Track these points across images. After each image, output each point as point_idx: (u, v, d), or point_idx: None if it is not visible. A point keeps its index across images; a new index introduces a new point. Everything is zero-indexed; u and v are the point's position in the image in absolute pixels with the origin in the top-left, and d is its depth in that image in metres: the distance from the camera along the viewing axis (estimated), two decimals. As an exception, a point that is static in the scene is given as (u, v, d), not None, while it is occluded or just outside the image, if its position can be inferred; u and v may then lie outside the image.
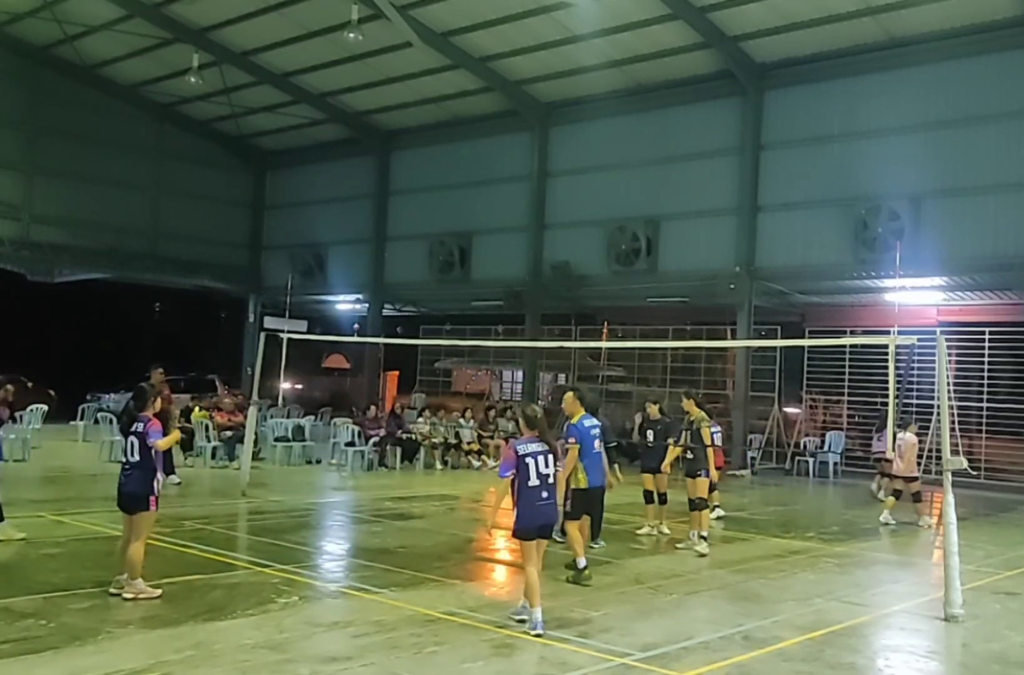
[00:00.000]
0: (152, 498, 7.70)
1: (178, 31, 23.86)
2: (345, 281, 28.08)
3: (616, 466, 10.69)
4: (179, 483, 14.12)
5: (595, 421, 9.21)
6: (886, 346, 8.90)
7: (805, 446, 20.76)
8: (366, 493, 15.20)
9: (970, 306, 21.36)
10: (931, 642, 7.42)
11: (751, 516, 13.94)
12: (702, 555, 10.25)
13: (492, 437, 20.18)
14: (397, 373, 31.44)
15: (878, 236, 18.64)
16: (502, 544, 11.21)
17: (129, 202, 28.04)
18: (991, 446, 19.34)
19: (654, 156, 22.08)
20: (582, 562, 8.67)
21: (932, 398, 16.73)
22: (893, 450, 11.77)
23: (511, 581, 9.11)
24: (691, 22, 19.63)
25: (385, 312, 28.65)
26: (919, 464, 14.08)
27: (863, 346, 17.66)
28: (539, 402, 24.99)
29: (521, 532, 7.13)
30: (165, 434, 7.91)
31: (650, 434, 11.60)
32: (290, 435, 19.18)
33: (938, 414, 9.63)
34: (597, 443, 9.09)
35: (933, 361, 8.54)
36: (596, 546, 10.26)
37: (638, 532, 11.61)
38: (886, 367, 8.93)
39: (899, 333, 10.07)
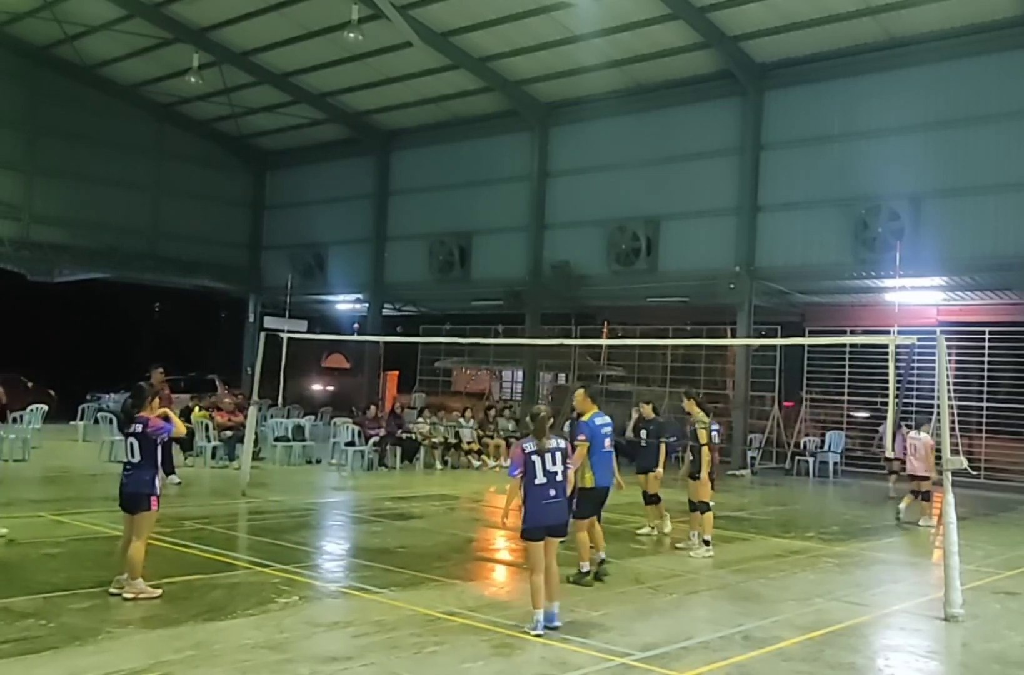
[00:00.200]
0: (153, 498, 7.72)
1: (178, 31, 23.85)
2: (345, 281, 28.07)
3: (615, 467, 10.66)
4: (179, 483, 14.12)
5: (607, 419, 8.93)
6: (886, 346, 8.90)
7: (805, 446, 20.77)
8: (366, 493, 15.20)
9: (970, 306, 21.37)
10: (931, 642, 7.42)
11: (751, 516, 13.95)
12: (707, 556, 10.23)
13: (492, 437, 20.18)
14: (397, 373, 31.44)
15: (878, 236, 18.64)
16: (502, 544, 11.22)
17: (129, 202, 28.03)
18: (991, 446, 19.35)
19: (654, 156, 22.08)
20: (585, 566, 8.62)
21: (932, 398, 16.73)
22: (893, 449, 11.75)
23: (511, 581, 9.12)
24: (691, 22, 19.63)
25: (385, 312, 28.66)
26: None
27: (863, 346, 17.67)
28: (539, 402, 25.04)
29: (528, 533, 7.02)
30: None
31: (643, 433, 11.66)
32: (290, 435, 19.19)
33: (938, 414, 9.62)
34: (608, 442, 8.83)
35: (933, 361, 8.51)
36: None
37: (638, 532, 11.61)
38: (886, 367, 8.92)
39: (899, 333, 10.06)
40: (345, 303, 30.41)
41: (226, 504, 13.25)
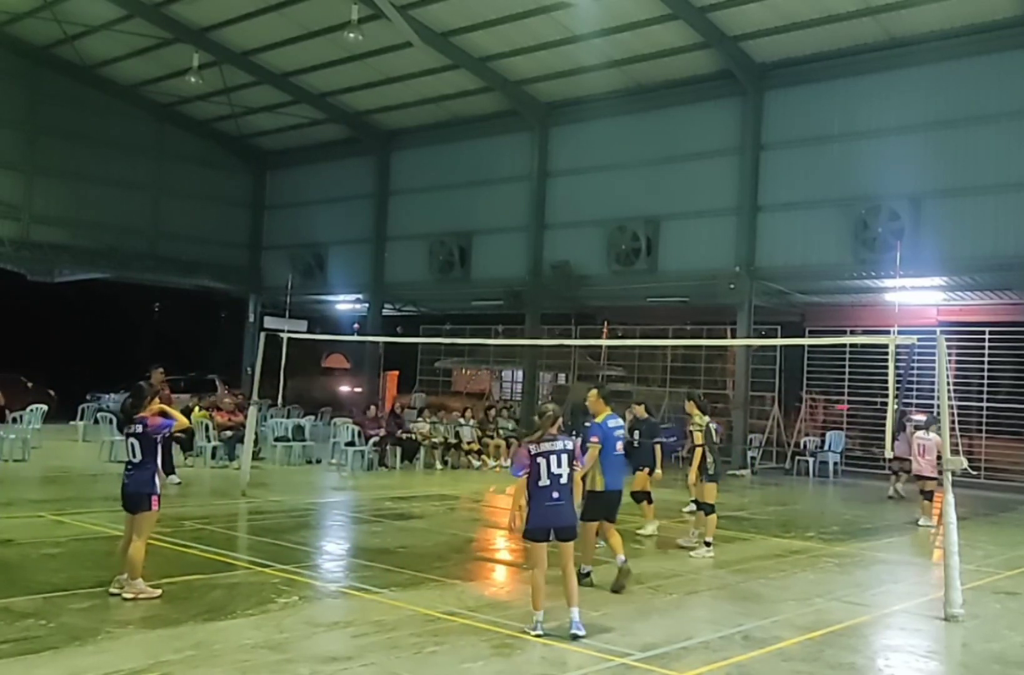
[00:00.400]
0: (154, 497, 7.73)
1: (178, 31, 23.85)
2: (345, 281, 28.07)
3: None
4: (179, 483, 14.12)
5: (620, 421, 8.85)
6: (886, 346, 8.89)
7: (805, 446, 20.77)
8: (366, 493, 15.19)
9: (970, 306, 21.36)
10: (931, 642, 7.42)
11: (751, 516, 13.94)
12: (708, 557, 10.22)
13: (492, 437, 20.18)
14: (397, 373, 31.44)
15: (878, 236, 18.64)
16: (502, 544, 11.22)
17: (129, 202, 28.02)
18: (991, 446, 19.34)
19: (654, 156, 22.07)
20: (586, 568, 8.56)
21: (932, 398, 16.76)
22: (892, 449, 11.76)
23: (511, 581, 9.12)
24: (691, 22, 19.63)
25: (385, 312, 28.65)
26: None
27: (863, 346, 17.65)
28: (539, 402, 25.04)
29: (530, 533, 6.97)
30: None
31: (636, 434, 11.68)
32: (290, 435, 19.19)
33: (938, 414, 9.62)
34: (619, 445, 8.70)
35: (933, 361, 8.54)
36: (598, 546, 10.24)
37: (638, 532, 11.60)
38: (886, 367, 8.92)
39: (899, 333, 10.05)
40: (345, 303, 30.41)
41: (226, 504, 13.25)
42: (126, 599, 7.41)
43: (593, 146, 23.26)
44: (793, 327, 22.46)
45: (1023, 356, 19.45)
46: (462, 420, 20.16)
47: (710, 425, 10.64)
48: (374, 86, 25.10)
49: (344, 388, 33.51)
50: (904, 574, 10.38)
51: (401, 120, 26.85)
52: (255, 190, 31.10)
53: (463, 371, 31.06)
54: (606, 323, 24.29)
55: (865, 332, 18.50)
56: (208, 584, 8.11)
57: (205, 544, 9.82)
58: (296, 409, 26.13)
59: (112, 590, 7.57)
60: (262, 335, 14.44)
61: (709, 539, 10.42)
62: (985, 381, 19.46)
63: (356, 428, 18.28)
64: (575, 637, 6.72)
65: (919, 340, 8.91)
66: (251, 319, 30.70)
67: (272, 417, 21.03)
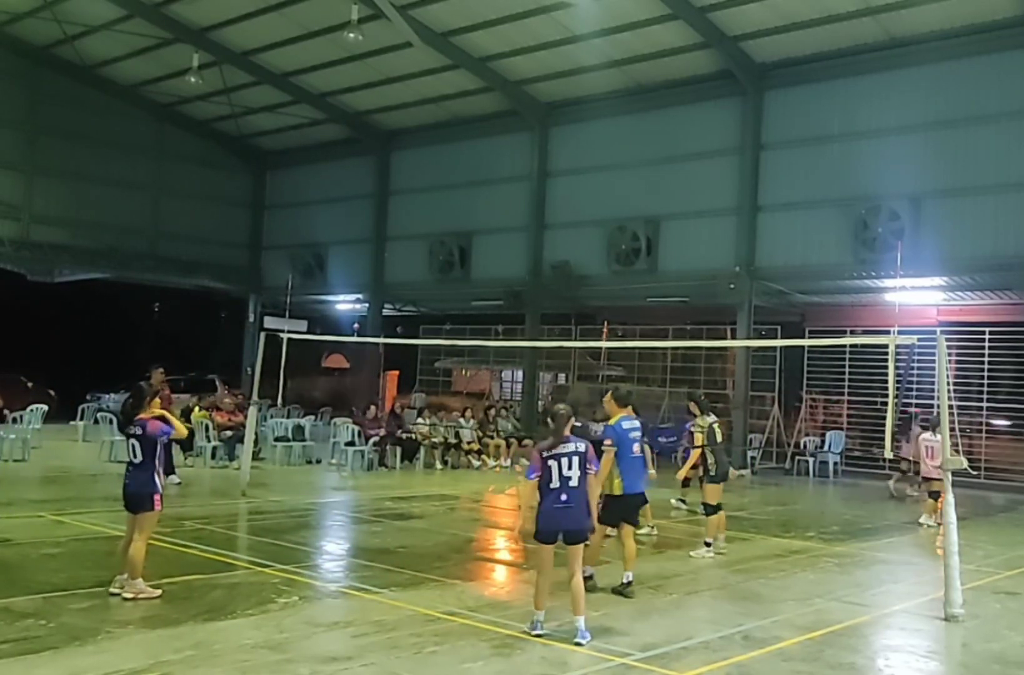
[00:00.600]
0: (156, 496, 7.75)
1: (178, 31, 23.84)
2: (345, 281, 28.06)
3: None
4: (179, 483, 14.12)
5: (635, 423, 8.62)
6: (886, 346, 8.89)
7: (805, 446, 20.77)
8: (366, 493, 15.19)
9: (970, 306, 21.36)
10: (931, 642, 7.42)
11: (751, 516, 13.93)
12: (708, 557, 10.21)
13: (492, 437, 20.18)
14: (397, 373, 31.44)
15: (878, 236, 18.63)
16: (502, 544, 11.22)
17: (129, 202, 28.01)
18: (991, 446, 19.34)
19: (654, 156, 22.07)
20: (588, 570, 8.26)
21: (932, 398, 16.74)
22: (892, 450, 11.76)
23: (511, 581, 9.12)
24: (691, 22, 19.63)
25: (385, 312, 28.64)
26: None
27: (863, 346, 17.65)
28: (539, 402, 25.04)
29: (539, 534, 6.88)
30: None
31: None
32: (290, 435, 19.19)
33: (938, 414, 9.62)
34: (636, 447, 8.49)
35: (933, 361, 8.53)
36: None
37: (638, 532, 11.57)
38: (886, 367, 8.92)
39: (899, 333, 10.06)
40: (345, 303, 30.41)
41: (226, 504, 13.25)
42: (126, 599, 7.42)
43: (593, 146, 23.25)
44: (793, 327, 22.46)
45: (1023, 356, 19.44)
46: (462, 420, 20.17)
47: (714, 425, 10.64)
48: (374, 86, 25.09)
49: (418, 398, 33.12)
50: (904, 574, 10.37)
51: (401, 120, 26.85)
52: (255, 190, 31.09)
53: (463, 372, 31.05)
54: (606, 323, 24.26)
55: (865, 332, 18.54)
56: (208, 584, 8.11)
57: (205, 544, 9.82)
58: (296, 409, 26.14)
59: (112, 590, 7.57)
60: (262, 335, 14.44)
61: (709, 540, 10.41)
62: (985, 381, 19.46)
63: (356, 428, 18.28)
64: (578, 644, 6.65)
65: (919, 340, 8.91)
66: (251, 319, 30.70)
67: (272, 417, 21.03)
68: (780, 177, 20.42)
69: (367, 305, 28.47)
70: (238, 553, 9.79)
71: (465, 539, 11.27)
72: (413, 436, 18.95)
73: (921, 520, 13.37)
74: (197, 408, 18.16)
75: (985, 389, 19.43)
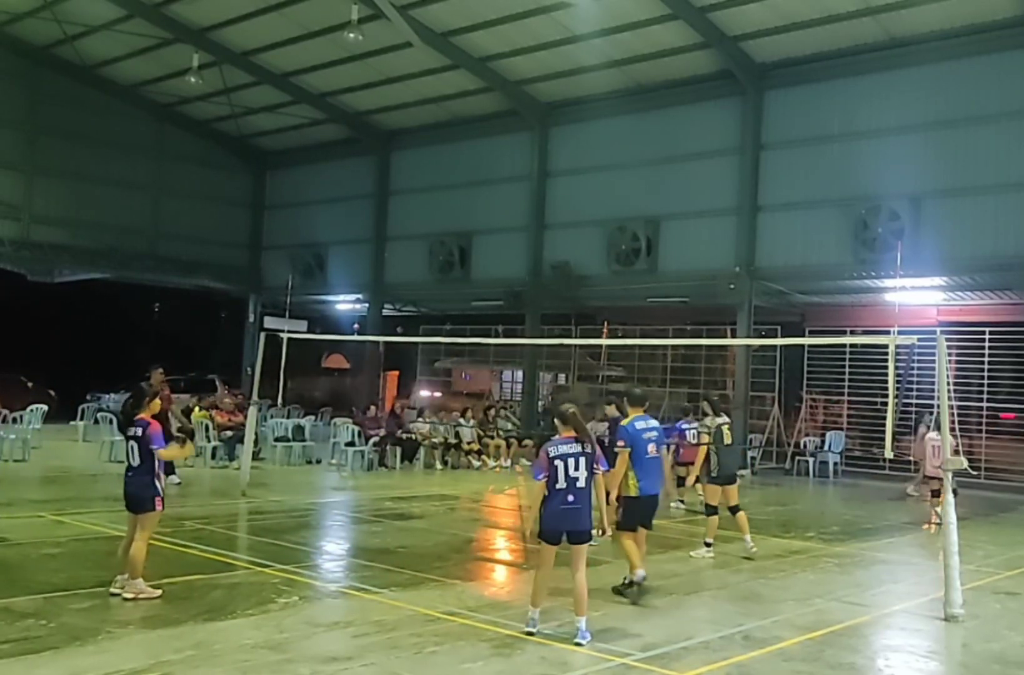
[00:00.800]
0: (157, 498, 7.75)
1: (178, 31, 23.85)
2: (345, 281, 28.06)
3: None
4: (179, 483, 14.12)
5: (649, 423, 8.45)
6: (886, 346, 8.89)
7: (805, 446, 20.76)
8: (366, 493, 15.20)
9: (970, 306, 21.35)
10: (931, 642, 7.42)
11: (751, 516, 13.82)
12: (708, 557, 10.21)
13: (492, 437, 20.18)
14: (397, 373, 31.44)
15: (878, 236, 18.64)
16: (502, 544, 11.22)
17: (129, 202, 28.02)
18: (991, 446, 19.34)
19: (654, 156, 22.07)
20: (640, 574, 8.01)
21: (932, 398, 16.74)
22: (892, 450, 11.75)
23: (511, 581, 9.12)
24: (691, 22, 19.63)
25: (385, 312, 28.64)
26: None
27: (863, 346, 17.65)
28: (539, 402, 25.05)
29: (543, 534, 6.87)
30: (167, 438, 7.92)
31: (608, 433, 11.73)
32: (290, 435, 19.18)
33: (938, 414, 9.62)
34: (651, 447, 8.33)
35: (933, 361, 8.53)
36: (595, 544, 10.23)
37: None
38: (886, 367, 8.92)
39: (899, 333, 10.05)
40: (345, 303, 30.40)
41: (226, 504, 13.25)
42: (126, 599, 7.42)
43: (593, 146, 23.25)
44: (793, 327, 22.45)
45: (1023, 356, 19.44)
46: (462, 420, 20.16)
47: (722, 427, 10.63)
48: (374, 86, 25.09)
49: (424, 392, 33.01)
50: (904, 574, 10.38)
51: (401, 120, 26.85)
52: (255, 190, 31.09)
53: (462, 373, 31.05)
54: (606, 323, 24.27)
55: (865, 332, 18.51)
56: (208, 584, 8.11)
57: (205, 544, 9.82)
58: (296, 409, 26.14)
59: (112, 590, 7.57)
60: (262, 335, 14.44)
61: (709, 540, 10.40)
62: (985, 381, 19.46)
63: (356, 428, 18.28)
64: (578, 645, 6.64)
65: (919, 340, 8.91)
66: (251, 319, 30.70)
67: (272, 417, 21.02)
68: (780, 177, 20.42)
69: (367, 305, 28.47)
70: (238, 553, 9.79)
71: (465, 539, 11.26)
72: (413, 436, 18.95)
73: (934, 520, 13.34)
74: (197, 408, 18.16)
75: (985, 389, 19.43)
